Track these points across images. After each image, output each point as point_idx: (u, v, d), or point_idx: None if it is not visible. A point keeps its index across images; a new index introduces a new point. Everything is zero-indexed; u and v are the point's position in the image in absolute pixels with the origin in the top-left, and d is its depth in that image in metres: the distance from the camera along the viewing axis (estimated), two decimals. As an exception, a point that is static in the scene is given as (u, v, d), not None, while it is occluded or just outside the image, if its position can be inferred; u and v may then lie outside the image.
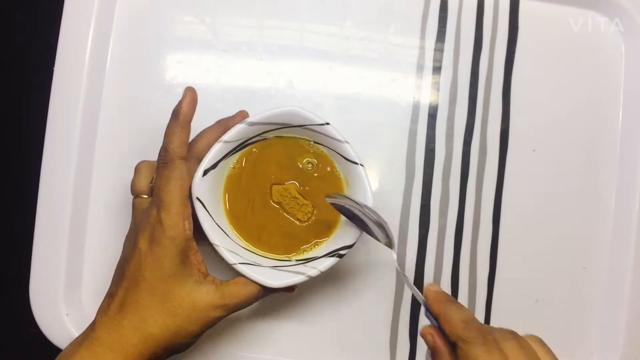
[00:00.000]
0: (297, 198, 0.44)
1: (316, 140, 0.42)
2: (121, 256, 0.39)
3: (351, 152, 0.40)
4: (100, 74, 0.48)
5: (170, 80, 0.49)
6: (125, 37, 0.48)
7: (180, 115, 0.37)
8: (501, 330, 0.34)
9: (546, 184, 0.50)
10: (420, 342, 0.49)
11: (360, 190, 0.40)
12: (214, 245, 0.39)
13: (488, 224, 0.50)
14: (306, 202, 0.44)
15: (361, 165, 0.40)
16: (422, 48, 0.50)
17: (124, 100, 0.48)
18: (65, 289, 0.46)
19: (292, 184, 0.44)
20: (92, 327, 0.37)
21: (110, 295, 0.38)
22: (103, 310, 0.37)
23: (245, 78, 0.49)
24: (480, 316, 0.49)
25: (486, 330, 0.33)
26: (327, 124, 0.40)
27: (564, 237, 0.50)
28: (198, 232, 0.39)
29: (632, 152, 0.50)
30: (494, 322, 0.49)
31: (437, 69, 0.50)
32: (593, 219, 0.50)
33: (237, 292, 0.38)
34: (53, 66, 0.46)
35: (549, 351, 0.34)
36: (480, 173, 0.50)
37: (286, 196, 0.44)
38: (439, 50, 0.50)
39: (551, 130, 0.51)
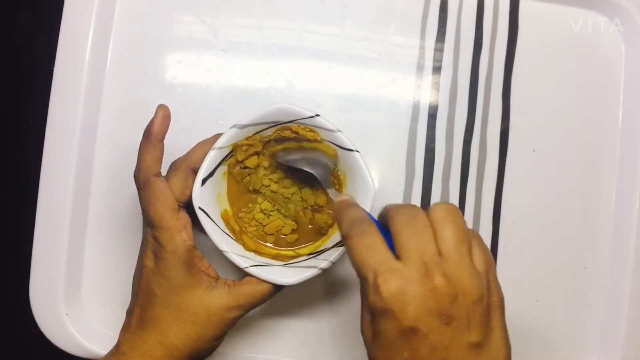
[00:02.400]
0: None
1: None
2: (134, 274, 0.40)
3: (345, 140, 0.40)
4: (100, 74, 0.48)
5: (170, 80, 0.49)
6: (125, 37, 0.48)
7: (152, 135, 0.38)
8: (396, 207, 0.33)
9: (546, 184, 0.50)
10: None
11: (359, 177, 0.40)
12: (223, 252, 0.39)
13: (488, 224, 0.50)
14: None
15: (357, 151, 0.40)
16: (422, 48, 0.50)
17: (124, 100, 0.48)
18: (65, 289, 0.46)
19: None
20: (117, 345, 0.38)
21: (129, 314, 0.39)
22: (125, 328, 0.39)
23: (245, 78, 0.49)
24: (480, 316, 0.49)
25: (367, 220, 0.33)
26: (317, 115, 0.40)
27: (564, 237, 0.50)
28: (196, 226, 0.39)
29: (632, 152, 0.50)
30: (494, 322, 0.49)
31: (437, 69, 0.50)
32: (593, 219, 0.50)
33: (250, 291, 0.39)
34: (53, 66, 0.46)
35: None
36: (480, 173, 0.50)
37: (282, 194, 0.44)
38: (439, 50, 0.50)
39: (551, 130, 0.51)
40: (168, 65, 0.49)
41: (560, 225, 0.50)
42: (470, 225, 0.50)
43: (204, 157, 0.39)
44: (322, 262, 0.40)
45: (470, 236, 0.32)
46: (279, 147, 0.43)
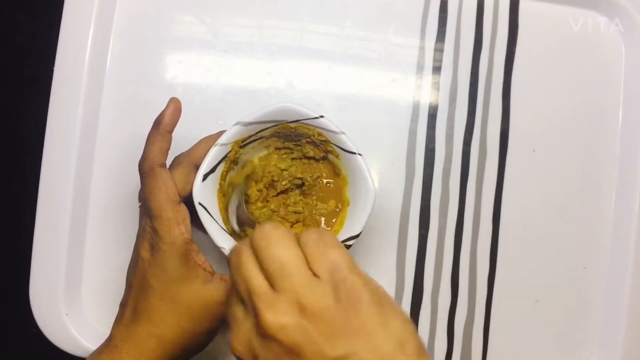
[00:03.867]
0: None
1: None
2: (129, 265, 0.40)
3: (348, 143, 0.40)
4: (100, 74, 0.48)
5: (170, 80, 0.49)
6: (125, 37, 0.48)
7: (161, 125, 0.38)
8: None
9: (546, 184, 0.50)
10: (420, 342, 0.49)
11: (361, 180, 0.40)
12: (221, 249, 0.39)
13: (488, 224, 0.50)
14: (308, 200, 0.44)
15: (359, 154, 0.40)
16: (422, 48, 0.50)
17: (124, 100, 0.48)
18: (65, 289, 0.46)
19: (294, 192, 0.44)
20: (110, 337, 0.38)
21: (122, 306, 0.39)
22: (118, 320, 0.38)
23: (245, 78, 0.49)
24: (480, 316, 0.49)
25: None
26: (322, 116, 0.40)
27: (564, 237, 0.50)
28: (196, 224, 0.39)
29: (632, 152, 0.50)
30: (494, 322, 0.49)
31: (437, 69, 0.50)
32: (593, 219, 0.50)
33: None
34: (53, 66, 0.46)
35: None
36: (480, 173, 0.50)
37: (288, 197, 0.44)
38: (439, 50, 0.50)
39: (551, 130, 0.51)
40: (168, 65, 0.49)
41: (560, 225, 0.50)
42: (470, 225, 0.50)
43: (206, 151, 0.39)
44: None
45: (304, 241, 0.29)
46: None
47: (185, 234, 0.37)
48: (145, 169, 0.38)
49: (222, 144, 0.40)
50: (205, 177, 0.39)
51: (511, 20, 0.51)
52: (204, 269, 0.38)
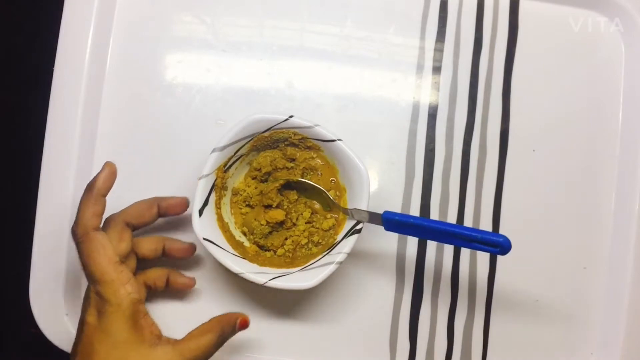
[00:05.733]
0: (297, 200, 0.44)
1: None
2: (74, 342, 0.39)
3: (325, 132, 0.41)
4: (100, 74, 0.48)
5: (170, 80, 0.49)
6: (125, 37, 0.48)
7: (95, 189, 0.37)
8: None
9: (546, 184, 0.50)
10: (420, 342, 0.49)
11: (349, 164, 0.41)
12: (239, 274, 0.39)
13: (488, 224, 0.50)
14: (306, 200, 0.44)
15: (339, 140, 0.40)
16: (422, 48, 0.50)
17: (124, 100, 0.48)
18: (65, 289, 0.46)
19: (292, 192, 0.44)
20: None
21: None
22: None
23: (245, 78, 0.49)
24: (480, 316, 0.49)
25: None
26: (291, 116, 0.40)
27: (564, 237, 0.50)
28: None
29: (632, 152, 0.50)
30: (494, 322, 0.49)
31: (437, 69, 0.50)
32: (593, 219, 0.50)
33: (195, 345, 0.38)
34: (53, 66, 0.46)
35: None
36: (480, 173, 0.50)
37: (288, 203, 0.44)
38: (439, 50, 0.50)
39: (551, 130, 0.51)
40: (168, 65, 0.49)
41: (560, 225, 0.50)
42: (470, 225, 0.50)
43: (138, 211, 0.40)
44: (337, 255, 0.40)
45: None
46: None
47: (132, 294, 0.37)
48: (79, 234, 0.37)
49: (206, 175, 0.40)
50: (200, 212, 0.40)
51: (511, 21, 0.51)
52: (151, 332, 0.37)
